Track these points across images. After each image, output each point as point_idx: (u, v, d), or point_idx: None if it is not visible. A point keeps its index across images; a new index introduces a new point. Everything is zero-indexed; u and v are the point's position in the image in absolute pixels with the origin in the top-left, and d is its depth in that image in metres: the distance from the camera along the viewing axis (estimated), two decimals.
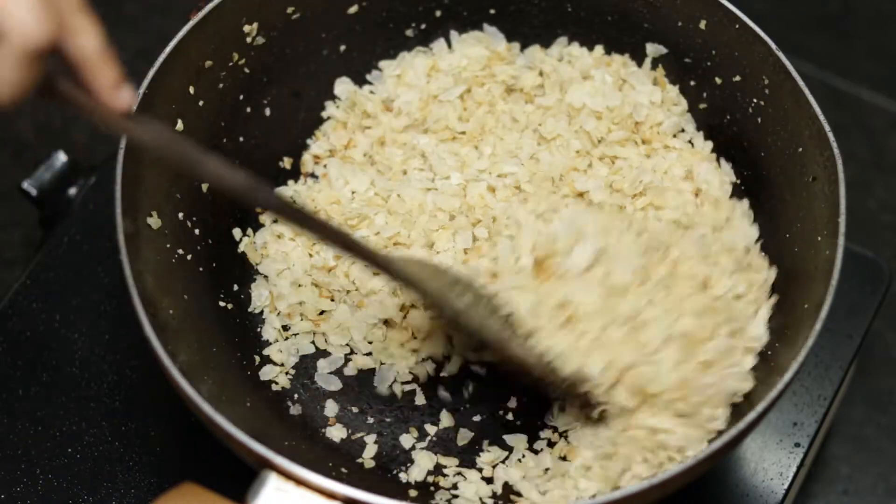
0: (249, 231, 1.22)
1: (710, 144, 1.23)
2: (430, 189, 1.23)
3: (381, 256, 1.03)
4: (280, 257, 1.21)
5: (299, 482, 0.97)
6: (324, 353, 1.19)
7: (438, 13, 1.26)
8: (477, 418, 1.16)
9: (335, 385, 1.18)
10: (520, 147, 1.23)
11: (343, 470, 1.11)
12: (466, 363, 1.18)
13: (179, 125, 1.14)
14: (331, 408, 1.16)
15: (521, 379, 1.13)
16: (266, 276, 1.21)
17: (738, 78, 1.18)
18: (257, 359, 1.17)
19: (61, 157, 1.32)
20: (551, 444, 1.14)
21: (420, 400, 1.17)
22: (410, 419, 1.16)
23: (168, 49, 1.11)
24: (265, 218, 1.23)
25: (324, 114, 1.27)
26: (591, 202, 1.20)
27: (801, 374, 1.10)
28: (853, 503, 1.41)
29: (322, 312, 1.20)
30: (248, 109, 1.22)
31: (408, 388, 1.17)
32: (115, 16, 1.64)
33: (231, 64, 1.19)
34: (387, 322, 1.19)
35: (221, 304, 1.18)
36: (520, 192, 1.21)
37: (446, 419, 1.16)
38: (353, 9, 1.24)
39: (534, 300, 1.08)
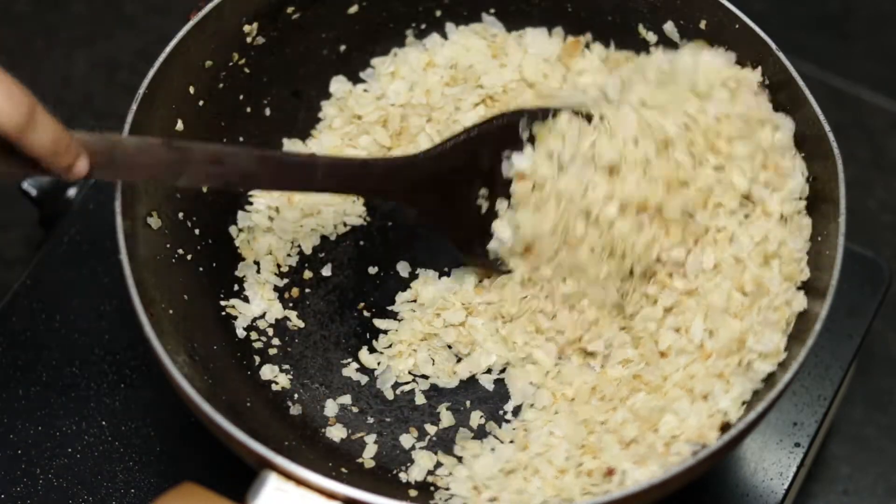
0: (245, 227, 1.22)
1: None
2: None
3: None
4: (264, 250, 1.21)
5: (299, 482, 0.97)
6: None
7: (438, 13, 1.26)
8: (477, 418, 1.16)
9: (335, 385, 1.18)
10: None
11: (343, 470, 1.11)
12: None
13: (179, 125, 1.14)
14: (331, 408, 1.16)
15: None
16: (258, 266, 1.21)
17: None
18: (257, 359, 1.17)
19: None
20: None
21: (420, 400, 1.17)
22: (410, 419, 1.16)
23: (168, 49, 1.11)
24: (260, 218, 1.23)
25: (320, 114, 1.27)
26: None
27: (801, 374, 1.09)
28: (853, 503, 1.41)
29: None
30: (248, 109, 1.22)
31: (408, 388, 1.17)
32: (115, 16, 1.64)
33: (231, 64, 1.19)
34: None
35: (221, 303, 1.18)
36: None
37: (446, 419, 1.16)
38: (353, 9, 1.24)
39: None
